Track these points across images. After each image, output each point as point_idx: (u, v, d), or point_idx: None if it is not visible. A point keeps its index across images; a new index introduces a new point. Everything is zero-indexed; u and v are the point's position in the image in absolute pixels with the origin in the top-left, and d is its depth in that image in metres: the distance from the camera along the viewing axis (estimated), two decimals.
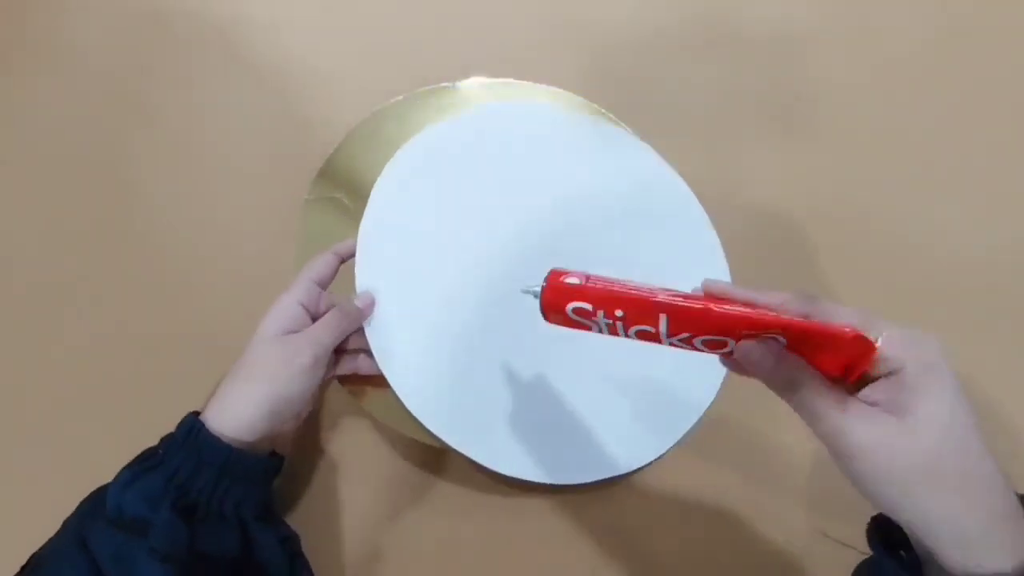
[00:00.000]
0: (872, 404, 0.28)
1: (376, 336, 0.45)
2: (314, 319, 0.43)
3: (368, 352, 0.45)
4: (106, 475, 0.38)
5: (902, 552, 0.31)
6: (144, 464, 0.38)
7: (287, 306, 0.42)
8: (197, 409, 0.40)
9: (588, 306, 0.34)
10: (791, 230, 0.52)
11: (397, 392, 0.44)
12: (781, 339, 0.29)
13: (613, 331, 0.34)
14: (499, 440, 0.44)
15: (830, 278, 0.51)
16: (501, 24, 0.59)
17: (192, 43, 0.60)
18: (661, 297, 0.31)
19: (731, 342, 0.31)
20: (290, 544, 0.41)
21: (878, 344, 0.28)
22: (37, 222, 0.56)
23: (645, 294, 0.32)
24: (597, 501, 0.47)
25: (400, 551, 0.46)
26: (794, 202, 0.53)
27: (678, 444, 0.46)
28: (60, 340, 0.52)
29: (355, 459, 0.48)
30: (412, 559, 0.46)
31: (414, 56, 0.55)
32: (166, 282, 0.53)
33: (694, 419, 0.47)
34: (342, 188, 0.51)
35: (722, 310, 0.30)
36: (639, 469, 0.46)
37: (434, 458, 0.48)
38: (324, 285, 0.44)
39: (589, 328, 0.35)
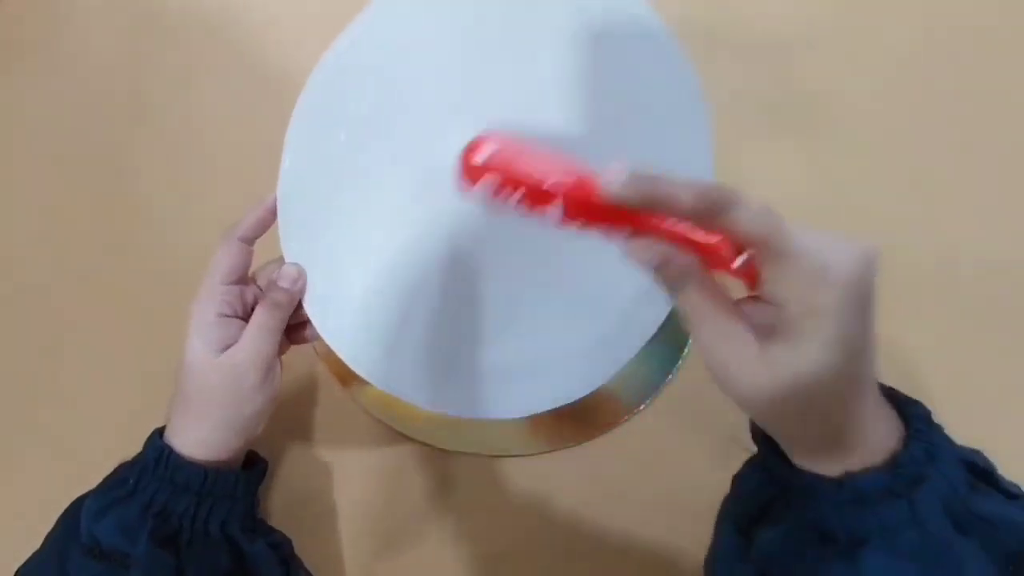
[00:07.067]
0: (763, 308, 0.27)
1: (314, 306, 0.40)
2: (244, 315, 0.39)
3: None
4: (103, 475, 0.38)
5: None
6: (115, 492, 0.36)
7: (208, 324, 0.38)
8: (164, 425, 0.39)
9: (494, 185, 0.31)
10: None
11: (347, 361, 0.40)
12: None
13: (525, 214, 0.31)
14: (455, 385, 0.42)
15: None
16: None
17: (192, 43, 0.60)
18: (553, 178, 0.29)
19: (625, 234, 0.29)
20: (282, 550, 0.40)
21: (733, 266, 0.26)
22: (36, 221, 0.56)
23: (538, 174, 0.30)
24: (597, 484, 0.47)
25: (397, 549, 0.46)
26: (794, 203, 0.53)
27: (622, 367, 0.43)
28: (59, 339, 0.52)
29: (349, 457, 0.48)
30: (410, 555, 0.46)
31: None
32: (165, 281, 0.53)
33: (639, 343, 0.43)
34: None
35: (607, 204, 0.27)
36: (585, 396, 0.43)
37: (429, 454, 0.48)
38: (239, 277, 0.40)
39: (509, 208, 0.31)
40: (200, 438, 0.37)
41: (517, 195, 0.30)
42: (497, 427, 0.48)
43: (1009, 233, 0.51)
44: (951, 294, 0.50)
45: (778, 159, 0.54)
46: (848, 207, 0.53)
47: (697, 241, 0.27)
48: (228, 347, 0.38)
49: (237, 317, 0.39)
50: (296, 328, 0.41)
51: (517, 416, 0.43)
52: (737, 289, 0.29)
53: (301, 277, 0.39)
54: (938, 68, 0.56)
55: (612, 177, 0.27)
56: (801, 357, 0.25)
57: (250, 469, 0.41)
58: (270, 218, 0.41)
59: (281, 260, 0.40)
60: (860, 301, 0.25)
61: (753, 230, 0.25)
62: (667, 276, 0.28)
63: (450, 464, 0.48)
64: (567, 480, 0.47)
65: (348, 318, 0.41)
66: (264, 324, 0.38)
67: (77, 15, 0.62)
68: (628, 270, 0.42)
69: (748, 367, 0.26)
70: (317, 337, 0.41)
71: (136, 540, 0.34)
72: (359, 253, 0.41)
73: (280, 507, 0.47)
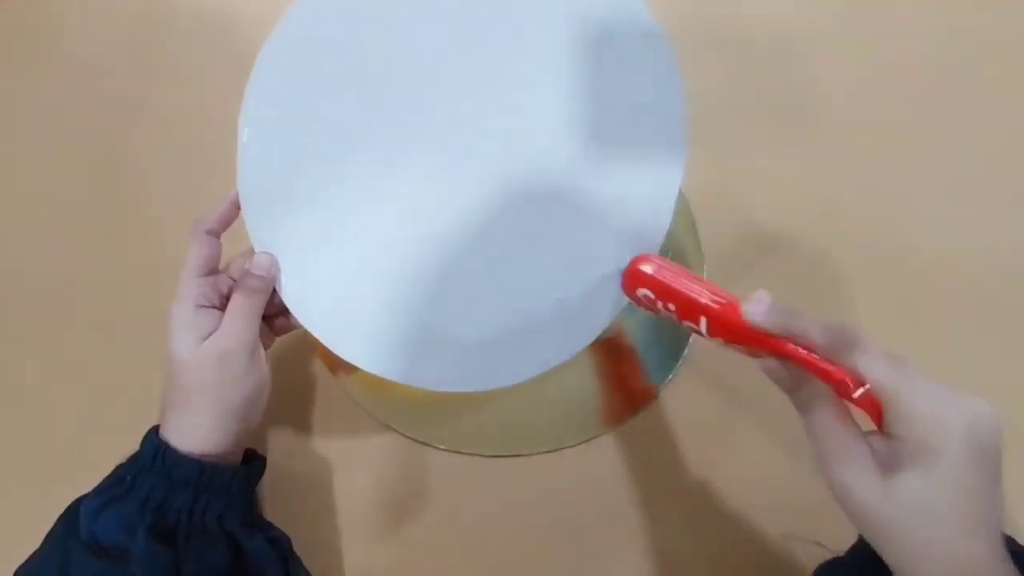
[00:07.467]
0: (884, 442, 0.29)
1: (288, 292, 0.40)
2: (221, 305, 0.40)
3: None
4: (102, 476, 0.38)
5: None
6: (113, 490, 0.37)
7: (188, 317, 0.38)
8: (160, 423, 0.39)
9: (652, 295, 0.37)
10: (790, 234, 0.52)
11: (327, 343, 0.40)
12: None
13: (672, 321, 0.37)
14: (439, 360, 0.41)
15: (829, 281, 0.51)
16: None
17: (192, 43, 0.60)
18: (704, 299, 0.34)
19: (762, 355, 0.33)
20: (280, 546, 0.40)
21: (854, 396, 0.29)
22: (36, 222, 0.56)
23: (693, 294, 0.35)
24: (593, 473, 0.47)
25: (395, 547, 0.46)
26: (793, 205, 0.53)
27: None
28: (59, 338, 0.52)
29: (348, 455, 0.48)
30: (408, 554, 0.46)
31: None
32: (166, 281, 0.53)
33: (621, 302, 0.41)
34: None
35: (749, 327, 0.32)
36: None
37: (427, 452, 0.48)
38: (212, 269, 0.40)
39: (657, 312, 0.38)
40: (194, 432, 0.37)
41: (671, 306, 0.36)
42: (492, 427, 0.49)
43: (1009, 233, 0.51)
44: (951, 294, 0.50)
45: (778, 159, 0.54)
46: (848, 207, 0.53)
47: (824, 368, 0.30)
48: (210, 335, 0.38)
49: (214, 307, 0.39)
50: (276, 318, 0.42)
51: (505, 386, 0.42)
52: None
53: (273, 265, 0.40)
54: (938, 68, 0.56)
55: (755, 307, 0.31)
56: (912, 487, 0.27)
57: (248, 466, 0.41)
58: (234, 211, 0.41)
59: (251, 251, 0.40)
60: (976, 454, 0.27)
61: (874, 375, 0.28)
62: (798, 396, 0.31)
63: (448, 461, 0.48)
64: (561, 480, 0.47)
65: (324, 301, 0.40)
66: (241, 309, 0.38)
67: (77, 15, 0.62)
68: (603, 233, 0.42)
69: (863, 486, 0.28)
70: (299, 325, 0.41)
71: (135, 535, 0.34)
72: (328, 236, 0.40)
73: (276, 501, 0.47)
